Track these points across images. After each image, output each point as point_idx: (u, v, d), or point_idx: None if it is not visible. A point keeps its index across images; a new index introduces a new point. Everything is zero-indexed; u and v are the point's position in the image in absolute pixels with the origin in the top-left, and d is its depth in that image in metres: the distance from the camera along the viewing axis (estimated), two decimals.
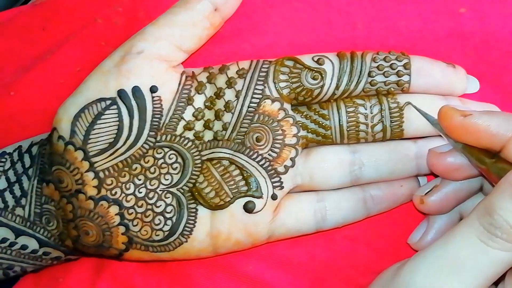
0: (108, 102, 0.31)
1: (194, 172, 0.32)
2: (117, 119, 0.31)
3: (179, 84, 0.32)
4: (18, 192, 0.34)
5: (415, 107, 0.32)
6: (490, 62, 0.34)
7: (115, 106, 0.31)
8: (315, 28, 0.35)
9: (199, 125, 0.32)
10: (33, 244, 0.34)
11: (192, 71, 0.33)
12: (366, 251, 0.35)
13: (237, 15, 0.35)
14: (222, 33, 0.35)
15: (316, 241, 0.35)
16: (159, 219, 0.32)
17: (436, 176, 0.33)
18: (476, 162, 0.29)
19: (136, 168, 0.32)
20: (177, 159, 0.32)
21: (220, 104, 0.32)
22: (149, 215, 0.32)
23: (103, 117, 0.31)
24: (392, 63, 0.32)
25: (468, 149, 0.29)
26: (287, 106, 0.32)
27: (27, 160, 0.34)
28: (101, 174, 0.32)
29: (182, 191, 0.32)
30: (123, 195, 0.32)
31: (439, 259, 0.26)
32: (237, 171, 0.32)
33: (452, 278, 0.25)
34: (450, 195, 0.31)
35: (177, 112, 0.32)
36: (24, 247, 0.34)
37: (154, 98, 0.32)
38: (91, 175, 0.32)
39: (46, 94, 0.38)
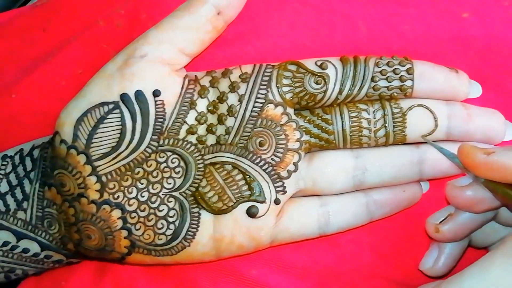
0: (111, 106, 0.31)
1: (196, 176, 0.32)
2: (120, 123, 0.31)
3: (182, 88, 0.32)
4: (19, 196, 0.34)
5: (430, 142, 0.32)
6: (492, 66, 0.34)
7: (117, 110, 0.31)
8: (318, 31, 0.35)
9: (202, 129, 0.32)
10: (34, 248, 0.34)
11: (195, 75, 0.33)
12: (370, 255, 0.35)
13: (240, 18, 0.35)
14: (225, 37, 0.35)
15: (320, 245, 0.35)
16: (161, 223, 0.32)
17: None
18: (501, 195, 0.28)
19: (138, 172, 0.32)
20: (179, 163, 0.32)
21: (223, 108, 0.32)
22: (152, 219, 0.32)
23: (105, 121, 0.31)
24: (395, 68, 0.32)
25: (491, 183, 0.29)
26: (290, 110, 0.32)
27: (28, 163, 0.34)
28: (104, 178, 0.32)
29: (185, 195, 0.32)
30: (126, 199, 0.32)
31: (478, 285, 0.25)
32: (240, 176, 0.32)
33: None
34: (465, 224, 0.32)
35: (180, 116, 0.32)
36: (25, 250, 0.34)
37: (157, 102, 0.31)
38: (93, 179, 0.31)
39: (47, 96, 0.37)
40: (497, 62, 0.34)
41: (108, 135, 0.31)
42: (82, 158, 0.31)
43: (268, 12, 0.35)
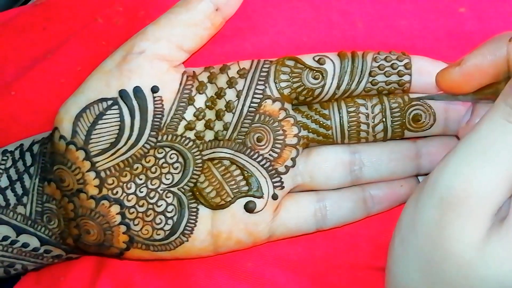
0: (110, 102, 0.31)
1: (195, 172, 0.32)
2: (119, 119, 0.31)
3: (180, 84, 0.32)
4: (19, 190, 0.34)
5: (416, 98, 0.32)
6: None
7: (116, 106, 0.31)
8: (316, 27, 0.35)
9: (200, 125, 0.32)
10: (34, 242, 0.34)
11: (193, 71, 0.33)
12: (367, 248, 0.35)
13: (238, 15, 0.35)
14: (223, 33, 0.35)
15: (316, 238, 0.35)
16: (160, 219, 0.32)
17: None
18: (494, 92, 0.28)
19: (137, 167, 0.32)
20: (178, 158, 0.32)
21: (221, 104, 0.32)
22: (150, 214, 0.32)
23: (104, 117, 0.31)
24: (393, 63, 0.32)
25: (480, 92, 0.28)
26: (288, 106, 0.33)
27: (28, 158, 0.34)
28: (103, 174, 0.32)
29: (183, 190, 0.32)
30: (124, 194, 0.32)
31: (467, 149, 0.25)
32: (238, 171, 0.32)
33: (483, 164, 0.24)
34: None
35: (178, 112, 0.32)
36: (25, 245, 0.34)
37: (155, 98, 0.32)
38: (92, 174, 0.32)
39: (46, 94, 0.38)
40: None
41: (107, 131, 0.32)
42: (81, 154, 0.32)
43: (266, 8, 0.35)
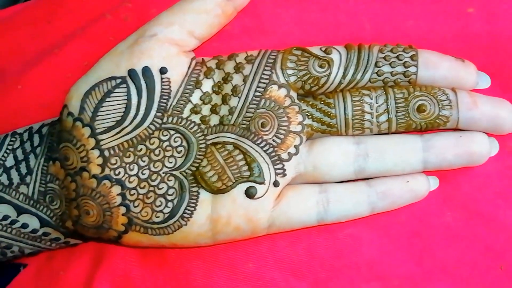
0: (118, 80, 0.32)
1: (198, 156, 0.32)
2: (126, 97, 0.32)
3: (189, 68, 0.33)
4: (24, 170, 0.34)
5: None
6: (498, 62, 0.34)
7: (124, 85, 0.32)
8: (323, 28, 0.36)
9: (205, 109, 0.33)
10: (34, 223, 0.34)
11: (202, 59, 0.34)
12: (369, 250, 0.34)
13: (246, 14, 0.36)
14: (231, 32, 0.36)
15: (317, 239, 0.34)
16: (160, 201, 0.32)
17: None
18: None
19: (141, 149, 0.32)
20: (182, 142, 0.32)
21: (227, 88, 0.33)
22: (151, 196, 0.32)
23: (112, 95, 0.32)
24: (399, 54, 0.32)
25: None
26: (294, 94, 0.33)
27: (36, 139, 0.35)
28: (106, 153, 0.32)
29: (185, 174, 0.32)
30: (126, 175, 0.32)
31: None
32: (241, 156, 0.32)
33: None
34: None
35: (185, 95, 0.32)
36: (24, 225, 0.34)
37: (163, 79, 0.32)
38: (96, 152, 0.32)
39: (53, 88, 0.38)
40: (503, 58, 0.34)
41: (114, 109, 0.32)
42: (86, 131, 0.32)
43: (274, 8, 0.36)
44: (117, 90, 0.32)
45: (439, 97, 0.32)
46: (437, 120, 0.32)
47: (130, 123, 0.32)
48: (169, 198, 0.32)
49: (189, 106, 0.32)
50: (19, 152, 0.35)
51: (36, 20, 0.39)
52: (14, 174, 0.34)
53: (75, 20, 0.39)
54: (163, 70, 0.32)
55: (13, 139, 0.35)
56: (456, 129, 0.33)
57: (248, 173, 0.32)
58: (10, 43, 0.40)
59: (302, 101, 0.33)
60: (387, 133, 0.33)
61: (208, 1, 0.33)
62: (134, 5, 0.37)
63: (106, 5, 0.38)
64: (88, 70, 0.33)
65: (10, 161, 0.34)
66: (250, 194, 0.32)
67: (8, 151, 0.35)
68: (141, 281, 0.36)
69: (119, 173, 0.32)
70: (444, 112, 0.32)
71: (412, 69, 0.32)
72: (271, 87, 0.32)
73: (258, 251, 0.34)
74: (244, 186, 0.32)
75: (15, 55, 0.39)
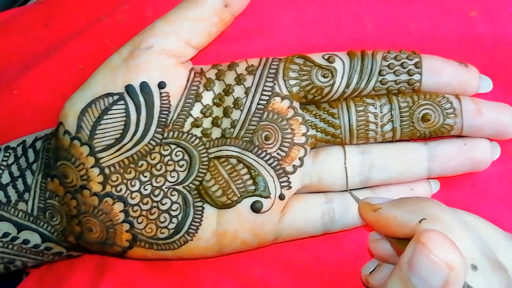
0: (116, 97, 0.31)
1: (200, 170, 0.32)
2: (124, 114, 0.31)
3: (188, 80, 0.32)
4: (21, 187, 0.33)
5: (351, 194, 0.32)
6: (501, 65, 0.34)
7: (122, 102, 0.31)
8: (324, 28, 0.35)
9: (207, 122, 0.32)
10: (35, 239, 0.33)
11: (201, 68, 0.33)
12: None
13: (246, 15, 0.34)
14: (231, 33, 0.35)
15: (323, 245, 0.34)
16: (164, 217, 0.32)
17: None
18: (396, 247, 0.28)
19: (142, 164, 0.31)
20: (183, 156, 0.32)
21: (229, 101, 0.32)
22: (155, 212, 0.32)
23: (110, 112, 0.31)
24: (403, 62, 0.32)
25: (396, 240, 0.27)
26: (297, 104, 0.32)
27: (31, 154, 0.34)
28: (107, 170, 0.31)
29: (188, 188, 0.32)
30: (128, 192, 0.31)
31: None
32: (245, 170, 0.32)
33: None
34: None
35: (185, 108, 0.32)
36: (26, 241, 0.33)
37: (162, 94, 0.31)
38: (96, 171, 0.31)
39: (49, 92, 0.37)
40: (506, 60, 0.33)
41: (112, 127, 0.31)
42: (85, 150, 0.31)
43: (274, 9, 0.35)
44: (114, 107, 0.31)
45: (443, 105, 0.32)
46: (441, 129, 0.32)
47: (130, 140, 0.31)
48: (173, 213, 0.32)
49: (190, 119, 0.32)
50: (14, 169, 0.34)
51: (33, 24, 0.38)
52: (11, 191, 0.33)
53: (71, 24, 0.37)
54: (161, 85, 0.31)
55: (7, 154, 0.34)
56: (459, 136, 0.33)
57: (253, 187, 0.31)
58: (6, 47, 0.38)
59: (305, 110, 0.33)
60: (391, 141, 0.33)
61: (205, 9, 0.32)
62: (130, 8, 0.36)
63: (102, 8, 0.37)
64: (83, 75, 0.32)
65: (5, 178, 0.34)
66: (256, 208, 0.31)
67: (2, 167, 0.34)
68: None
69: (121, 189, 0.31)
70: (449, 121, 0.32)
71: (416, 77, 0.32)
72: (274, 99, 0.32)
73: (264, 256, 0.35)
74: (249, 200, 0.31)
75: (11, 60, 0.38)
